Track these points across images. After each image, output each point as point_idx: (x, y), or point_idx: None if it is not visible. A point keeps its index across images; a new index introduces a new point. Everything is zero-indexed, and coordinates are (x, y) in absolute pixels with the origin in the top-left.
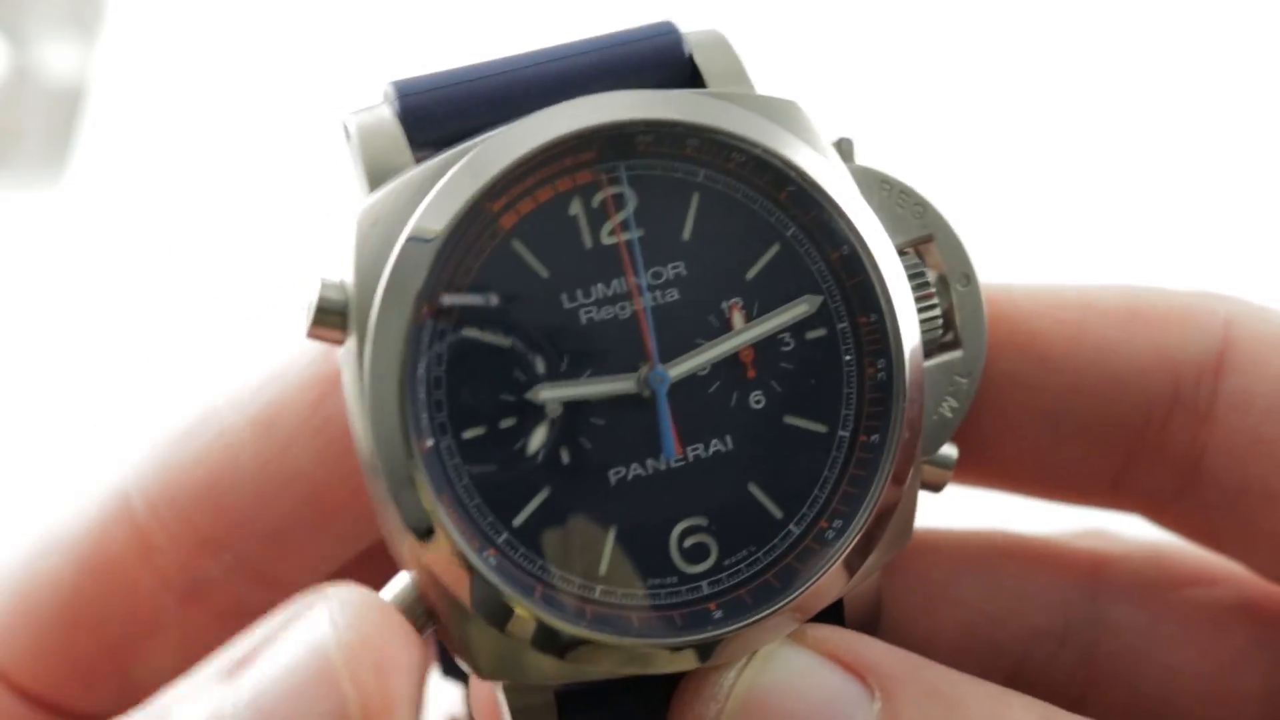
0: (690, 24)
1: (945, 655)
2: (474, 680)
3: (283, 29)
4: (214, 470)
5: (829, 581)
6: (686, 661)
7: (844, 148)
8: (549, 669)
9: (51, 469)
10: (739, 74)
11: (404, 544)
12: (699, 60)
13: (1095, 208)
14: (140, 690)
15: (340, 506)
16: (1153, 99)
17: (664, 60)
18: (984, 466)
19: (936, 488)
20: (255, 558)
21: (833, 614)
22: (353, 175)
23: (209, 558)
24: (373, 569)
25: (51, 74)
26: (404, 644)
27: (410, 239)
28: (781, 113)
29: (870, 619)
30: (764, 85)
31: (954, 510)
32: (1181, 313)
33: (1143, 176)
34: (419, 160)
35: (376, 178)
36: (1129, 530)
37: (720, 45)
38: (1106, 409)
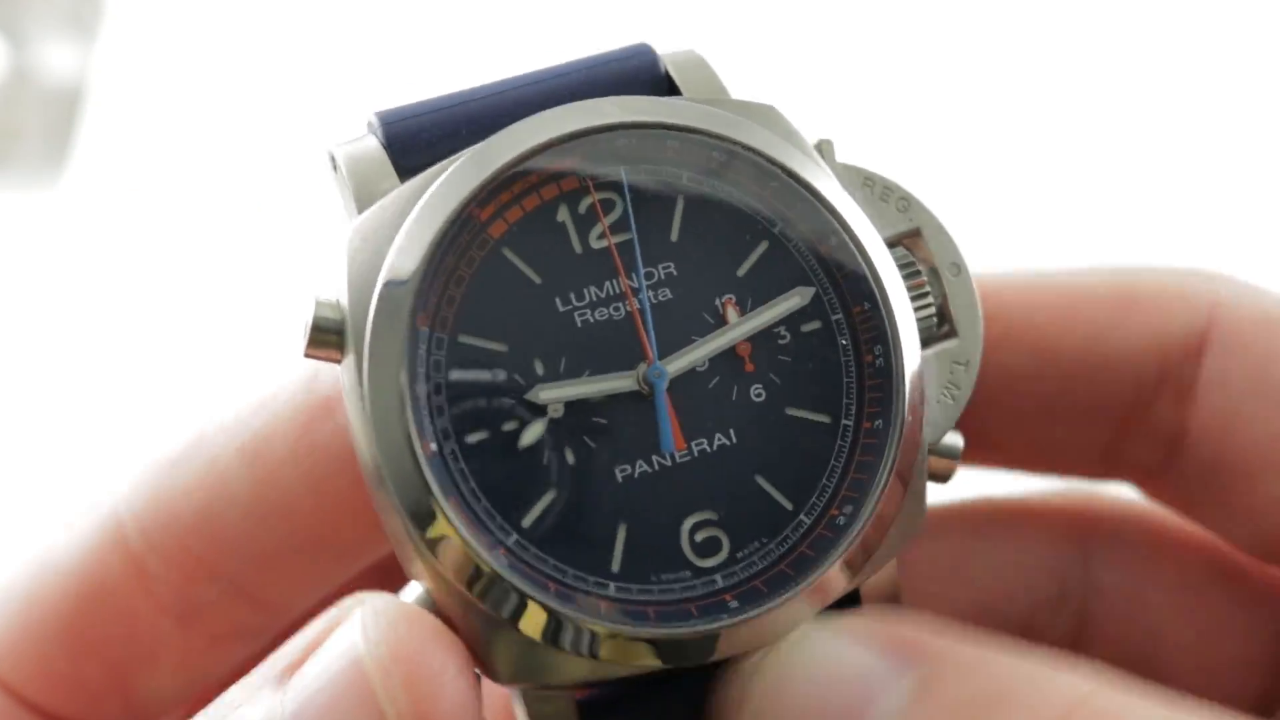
0: (667, 46)
1: None
2: (485, 687)
3: (282, 29)
4: (205, 498)
5: (843, 568)
6: (706, 653)
7: (825, 149)
8: (568, 669)
9: (50, 470)
10: (716, 88)
11: (414, 552)
12: (676, 78)
13: (1077, 197)
14: (142, 706)
15: (331, 531)
16: (1133, 89)
17: (641, 79)
18: (980, 450)
19: (944, 478)
20: (249, 582)
21: (850, 605)
22: (340, 204)
23: (204, 583)
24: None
25: (51, 74)
26: (439, 652)
27: (400, 250)
28: (760, 115)
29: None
30: (743, 96)
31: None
32: (1170, 293)
33: (1126, 164)
34: None
35: (365, 203)
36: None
37: (697, 63)
38: (1099, 390)
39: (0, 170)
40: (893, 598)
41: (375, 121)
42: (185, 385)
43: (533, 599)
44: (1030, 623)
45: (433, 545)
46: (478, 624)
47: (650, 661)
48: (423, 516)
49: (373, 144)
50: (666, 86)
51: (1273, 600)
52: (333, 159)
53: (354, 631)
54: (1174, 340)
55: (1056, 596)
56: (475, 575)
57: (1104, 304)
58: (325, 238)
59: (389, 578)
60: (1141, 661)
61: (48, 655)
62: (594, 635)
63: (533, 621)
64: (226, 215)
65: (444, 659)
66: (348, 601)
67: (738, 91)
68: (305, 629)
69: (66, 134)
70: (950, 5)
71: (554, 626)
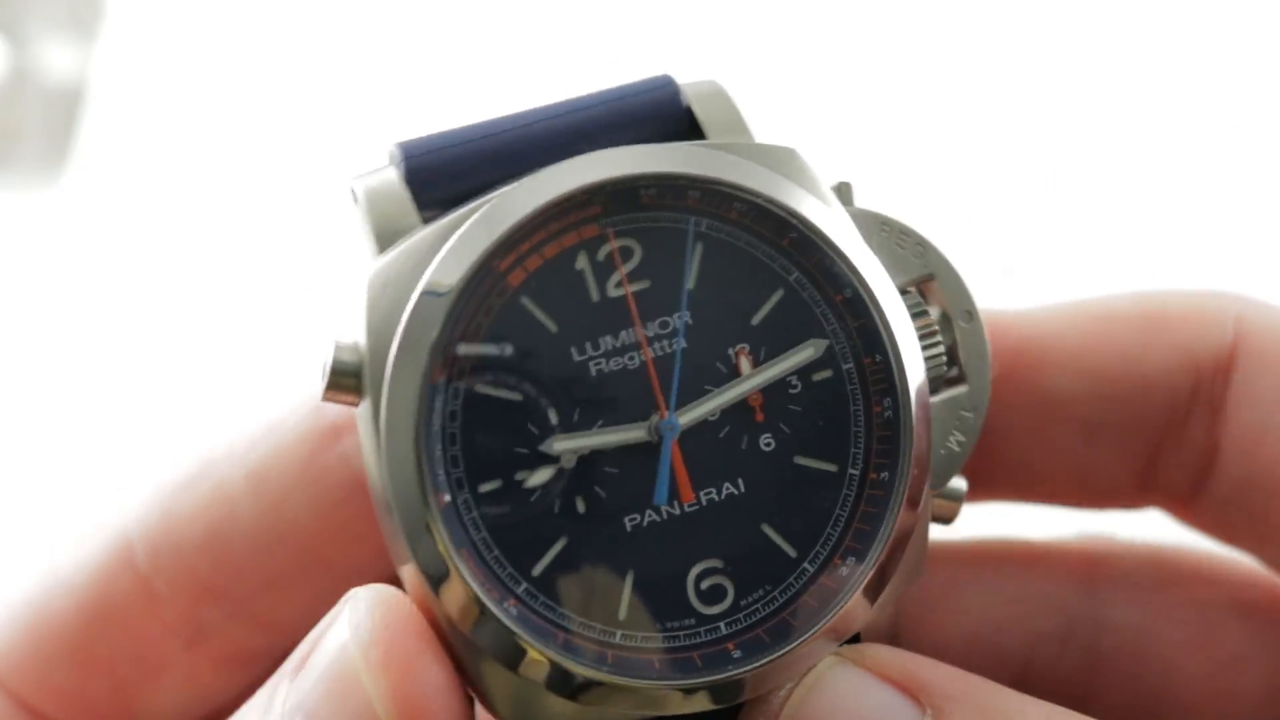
0: (687, 76)
1: (952, 663)
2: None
3: (282, 30)
4: (213, 522)
5: (847, 616)
6: (703, 702)
7: (843, 191)
8: (565, 711)
9: (47, 472)
10: (737, 123)
11: (420, 590)
12: (697, 111)
13: (1094, 240)
14: None
15: (337, 554)
16: (1149, 126)
17: (663, 113)
18: (1021, 482)
19: (947, 520)
20: (255, 605)
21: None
22: (360, 236)
23: (210, 606)
24: None
25: (51, 74)
26: (418, 637)
27: (422, 297)
28: (780, 160)
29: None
30: (762, 132)
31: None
32: (1197, 313)
33: (1144, 208)
34: (426, 220)
35: (385, 240)
36: (1127, 532)
37: (718, 95)
38: (1135, 410)
39: (0, 170)
40: (891, 635)
41: (397, 153)
42: (184, 386)
43: (535, 649)
44: (1031, 657)
45: (438, 589)
46: (475, 658)
47: (635, 711)
48: (432, 562)
49: (393, 178)
50: (688, 120)
51: None
52: (353, 193)
53: (343, 621)
54: (1205, 358)
55: (1062, 632)
56: (481, 621)
57: (1137, 326)
58: (323, 236)
59: None
60: (1159, 697)
61: (54, 668)
62: (591, 683)
63: (534, 668)
64: (227, 215)
65: (418, 644)
66: (345, 597)
67: (756, 125)
68: (319, 624)
69: (66, 134)
70: (979, 51)
71: (558, 675)
